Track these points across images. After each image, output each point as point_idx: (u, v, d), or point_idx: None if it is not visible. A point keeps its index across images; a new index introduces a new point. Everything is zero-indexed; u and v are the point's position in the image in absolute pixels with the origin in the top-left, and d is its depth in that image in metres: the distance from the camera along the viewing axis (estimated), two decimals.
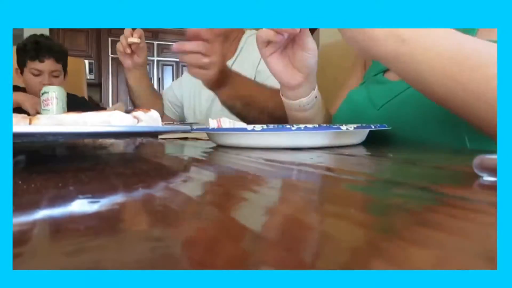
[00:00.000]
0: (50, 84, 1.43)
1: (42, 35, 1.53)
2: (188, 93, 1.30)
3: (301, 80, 0.58)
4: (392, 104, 0.57)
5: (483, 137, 0.41)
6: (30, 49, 1.45)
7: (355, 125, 0.44)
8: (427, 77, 0.38)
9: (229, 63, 1.18)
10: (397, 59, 0.40)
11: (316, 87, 0.63)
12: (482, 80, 0.35)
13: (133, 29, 1.09)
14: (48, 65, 1.48)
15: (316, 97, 0.63)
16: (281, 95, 0.64)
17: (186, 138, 0.68)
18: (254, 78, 1.06)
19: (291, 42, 0.57)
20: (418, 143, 0.53)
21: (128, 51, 1.08)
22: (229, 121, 0.55)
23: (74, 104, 1.29)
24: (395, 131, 0.55)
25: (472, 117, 0.38)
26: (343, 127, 0.42)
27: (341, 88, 0.82)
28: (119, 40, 1.09)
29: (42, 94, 1.11)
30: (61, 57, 1.53)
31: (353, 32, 0.42)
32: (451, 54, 0.36)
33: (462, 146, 0.48)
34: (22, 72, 1.49)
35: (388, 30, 0.40)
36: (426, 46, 0.38)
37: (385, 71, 0.66)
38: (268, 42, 0.56)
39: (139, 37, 1.07)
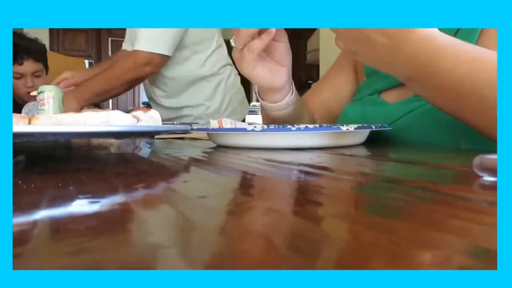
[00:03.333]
0: (33, 86, 1.40)
1: (15, 33, 1.46)
2: None
3: (286, 75, 0.57)
4: (393, 127, 0.57)
5: (477, 138, 0.44)
6: None
7: (355, 125, 0.43)
8: (432, 99, 0.46)
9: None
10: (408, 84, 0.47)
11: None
12: (478, 102, 0.39)
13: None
14: (28, 66, 1.44)
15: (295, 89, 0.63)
16: (261, 100, 0.62)
17: (182, 138, 0.68)
18: None
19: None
20: (417, 143, 0.53)
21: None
22: (230, 122, 0.54)
23: None
24: (394, 135, 0.55)
25: (476, 127, 0.43)
26: (344, 127, 0.42)
27: (324, 79, 0.80)
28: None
29: (39, 93, 1.10)
30: (40, 55, 1.49)
31: (371, 57, 0.45)
32: (449, 84, 0.41)
33: (457, 146, 0.48)
34: None
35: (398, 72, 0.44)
36: (429, 80, 0.42)
37: (381, 91, 0.64)
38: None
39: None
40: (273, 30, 0.50)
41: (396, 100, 0.59)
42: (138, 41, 1.15)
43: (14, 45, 1.40)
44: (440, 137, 0.47)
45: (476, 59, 0.39)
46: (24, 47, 1.43)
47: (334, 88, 0.76)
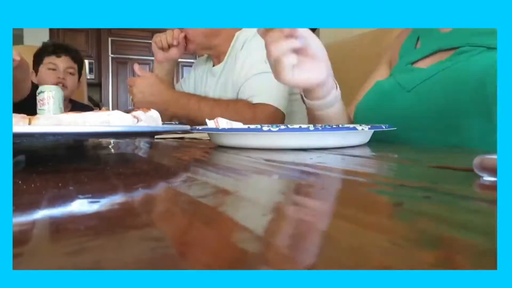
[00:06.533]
0: (64, 80, 1.55)
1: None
2: (193, 88, 1.29)
3: (326, 69, 0.56)
4: (423, 86, 0.56)
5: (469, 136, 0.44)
6: (49, 47, 1.60)
7: (357, 125, 0.43)
8: None
9: (220, 66, 1.16)
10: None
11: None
12: None
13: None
14: (64, 61, 1.59)
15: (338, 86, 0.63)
16: (307, 100, 0.62)
17: (182, 138, 0.68)
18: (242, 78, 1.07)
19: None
20: (425, 140, 0.54)
21: (175, 43, 1.12)
22: (226, 122, 0.54)
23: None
24: (419, 119, 0.55)
25: None
26: (345, 128, 0.42)
27: (366, 82, 0.79)
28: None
29: (38, 93, 1.10)
30: (77, 58, 1.65)
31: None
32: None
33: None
34: (37, 72, 1.58)
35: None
36: None
37: (413, 62, 0.65)
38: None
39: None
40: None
41: (429, 65, 0.60)
42: (260, 93, 1.01)
43: (56, 44, 1.65)
44: (469, 92, 0.45)
45: None
46: (65, 47, 1.63)
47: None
